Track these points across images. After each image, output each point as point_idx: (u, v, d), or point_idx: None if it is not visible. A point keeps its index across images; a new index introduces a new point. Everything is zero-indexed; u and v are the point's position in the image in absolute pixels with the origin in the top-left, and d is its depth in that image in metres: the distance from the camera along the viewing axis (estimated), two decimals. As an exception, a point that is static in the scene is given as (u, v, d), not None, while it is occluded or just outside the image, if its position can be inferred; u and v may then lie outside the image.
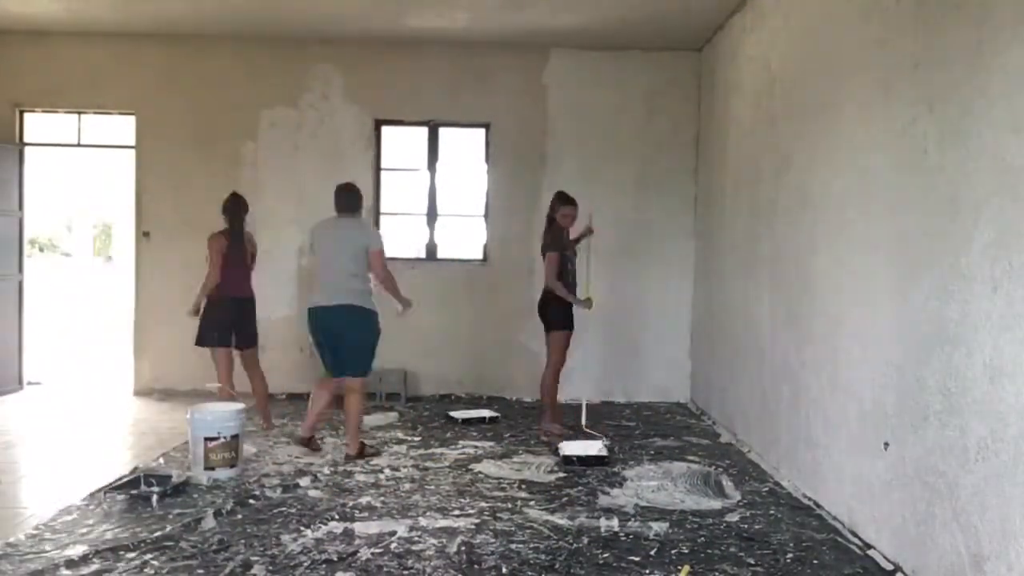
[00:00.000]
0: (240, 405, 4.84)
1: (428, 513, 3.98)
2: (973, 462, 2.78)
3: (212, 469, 4.51)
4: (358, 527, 3.73)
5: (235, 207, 5.50)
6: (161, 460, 4.94)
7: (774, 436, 4.90)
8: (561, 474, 4.74)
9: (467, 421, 6.12)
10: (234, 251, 5.43)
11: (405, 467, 4.85)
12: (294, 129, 7.16)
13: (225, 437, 4.55)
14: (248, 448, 4.96)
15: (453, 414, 6.28)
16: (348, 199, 5.09)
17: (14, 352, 7.18)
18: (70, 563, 3.28)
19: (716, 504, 4.22)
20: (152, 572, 3.22)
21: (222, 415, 4.62)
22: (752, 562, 3.43)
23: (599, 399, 7.17)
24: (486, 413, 6.29)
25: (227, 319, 5.40)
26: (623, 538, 3.68)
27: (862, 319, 3.73)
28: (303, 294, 7.09)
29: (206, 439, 4.51)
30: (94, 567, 3.25)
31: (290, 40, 7.06)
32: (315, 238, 5.07)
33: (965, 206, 2.88)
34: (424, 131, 7.31)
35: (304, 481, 4.48)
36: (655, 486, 4.48)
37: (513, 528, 3.79)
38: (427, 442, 5.50)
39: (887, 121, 3.52)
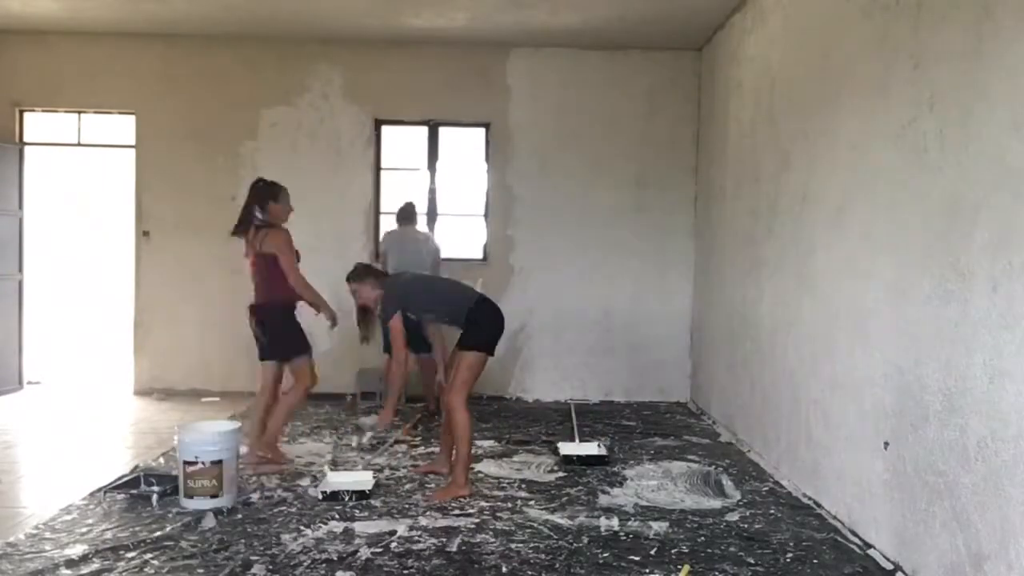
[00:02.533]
0: (236, 424, 4.24)
1: (428, 513, 3.98)
2: (973, 462, 2.78)
3: (191, 498, 3.88)
4: (358, 527, 3.74)
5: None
6: (161, 460, 4.94)
7: (774, 436, 4.90)
8: (561, 474, 4.73)
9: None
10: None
11: (405, 467, 4.85)
12: (294, 129, 7.15)
13: (204, 463, 3.85)
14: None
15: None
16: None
17: (14, 352, 7.18)
18: (70, 563, 3.28)
19: (716, 504, 4.22)
20: (152, 572, 3.22)
21: (202, 437, 3.94)
22: (752, 561, 3.43)
23: (599, 398, 7.17)
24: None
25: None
26: (623, 538, 3.68)
27: (862, 319, 3.73)
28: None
29: (184, 462, 3.90)
30: (94, 567, 3.25)
31: (290, 40, 7.06)
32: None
33: (965, 206, 2.88)
34: (424, 131, 7.31)
35: (304, 481, 4.48)
36: (655, 486, 4.48)
37: (513, 528, 3.79)
38: (427, 442, 5.50)
39: (887, 121, 3.52)
